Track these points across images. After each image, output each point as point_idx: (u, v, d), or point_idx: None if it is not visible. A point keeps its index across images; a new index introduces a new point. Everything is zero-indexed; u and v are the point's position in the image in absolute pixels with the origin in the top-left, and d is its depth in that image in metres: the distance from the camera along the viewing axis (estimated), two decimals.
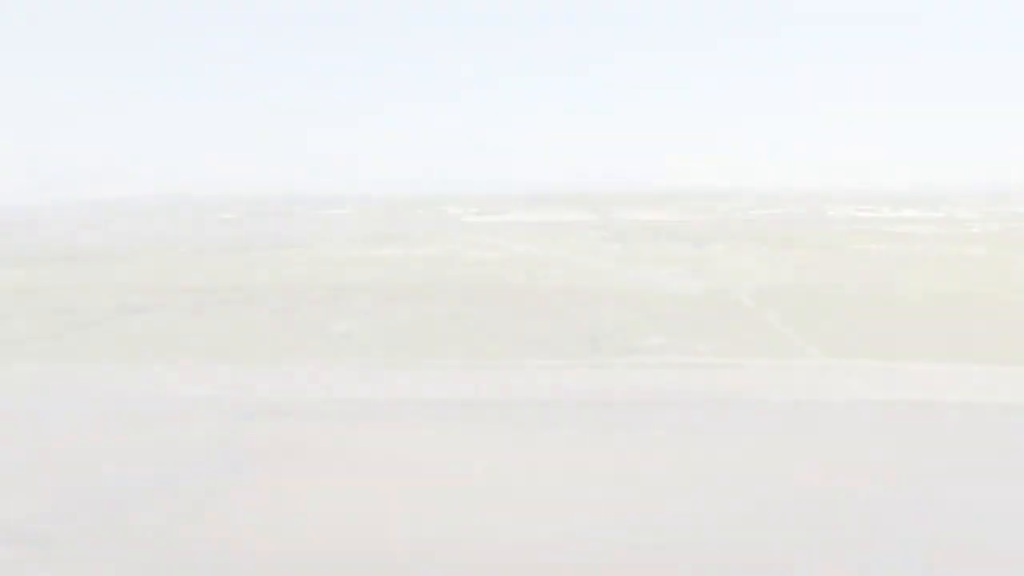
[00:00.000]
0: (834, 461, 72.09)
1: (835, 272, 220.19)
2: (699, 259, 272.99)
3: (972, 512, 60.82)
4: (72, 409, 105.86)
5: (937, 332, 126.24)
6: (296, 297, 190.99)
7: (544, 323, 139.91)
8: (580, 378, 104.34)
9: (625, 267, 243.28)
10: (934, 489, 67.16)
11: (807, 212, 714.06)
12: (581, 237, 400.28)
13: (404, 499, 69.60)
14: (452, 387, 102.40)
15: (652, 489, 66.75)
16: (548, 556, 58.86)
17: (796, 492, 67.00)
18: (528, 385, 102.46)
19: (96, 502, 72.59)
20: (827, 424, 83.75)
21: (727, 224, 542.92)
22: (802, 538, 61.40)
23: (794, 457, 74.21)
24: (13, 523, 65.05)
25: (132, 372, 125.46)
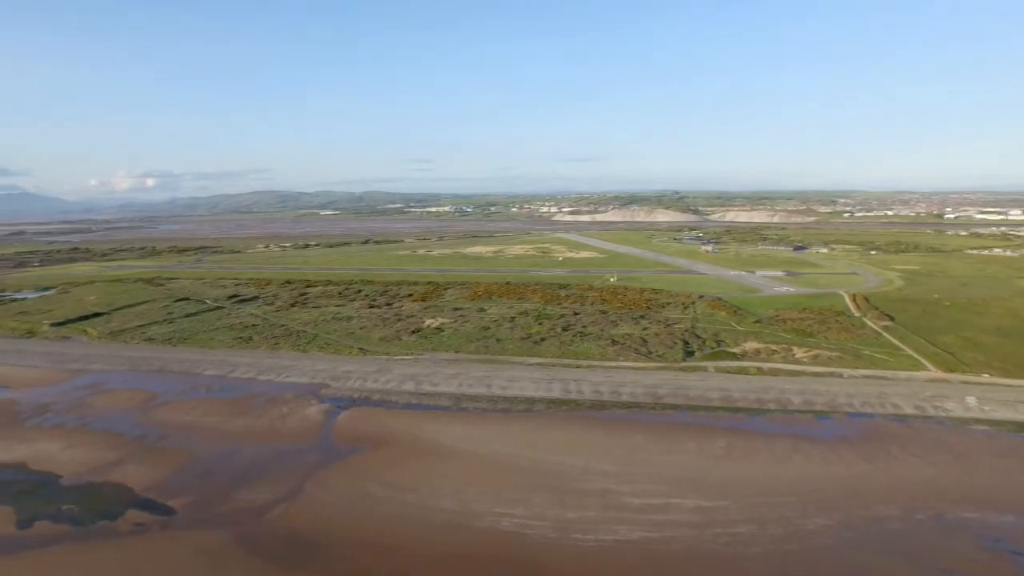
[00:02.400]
0: (941, 488, 68.10)
1: (947, 277, 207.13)
2: (799, 262, 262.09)
3: None
4: (184, 389, 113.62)
5: None
6: (390, 292, 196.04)
7: (633, 324, 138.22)
8: (671, 382, 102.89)
9: (720, 269, 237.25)
10: None
11: (924, 214, 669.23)
12: (675, 238, 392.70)
13: (491, 491, 70.37)
14: (543, 387, 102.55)
15: (742, 500, 64.94)
16: (616, 560, 58.72)
17: (873, 526, 63.63)
18: (618, 386, 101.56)
19: (209, 477, 77.99)
20: (933, 445, 79.14)
21: (831, 227, 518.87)
22: None
23: (888, 482, 70.45)
24: (141, 492, 71.44)
25: (236, 358, 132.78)
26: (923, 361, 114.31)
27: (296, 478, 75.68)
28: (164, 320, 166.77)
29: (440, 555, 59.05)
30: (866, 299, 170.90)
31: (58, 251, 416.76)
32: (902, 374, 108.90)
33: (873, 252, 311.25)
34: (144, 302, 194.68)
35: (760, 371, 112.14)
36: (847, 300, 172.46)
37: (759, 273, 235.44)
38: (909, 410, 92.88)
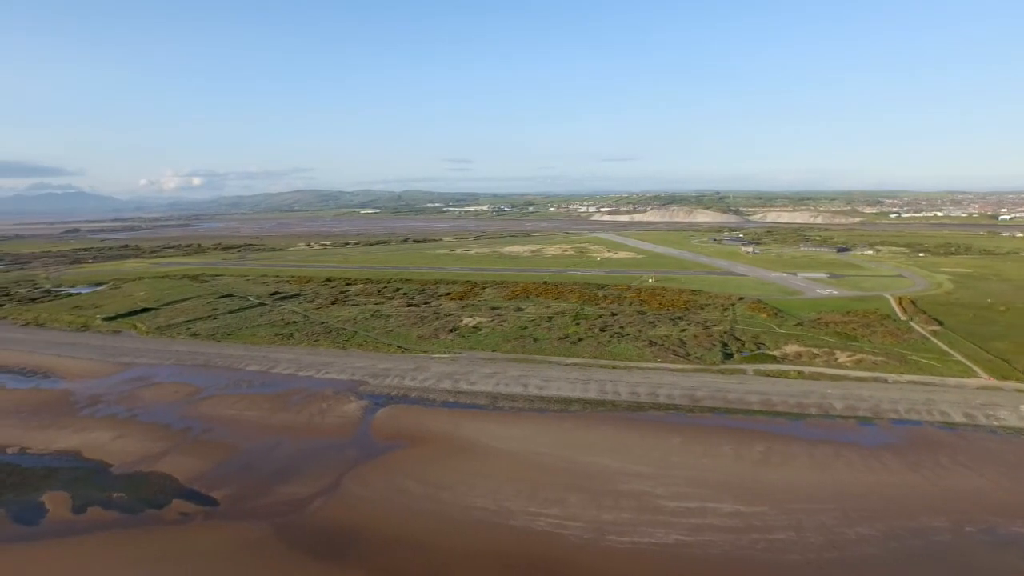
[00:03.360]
0: (993, 500, 65.86)
1: (1001, 281, 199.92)
2: (843, 264, 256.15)
3: None
4: (226, 383, 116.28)
5: None
6: (428, 291, 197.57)
7: (671, 325, 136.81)
8: (709, 384, 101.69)
9: (760, 271, 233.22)
10: None
11: (977, 215, 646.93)
12: (715, 239, 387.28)
13: (526, 491, 70.47)
14: (580, 387, 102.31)
15: (781, 506, 63.85)
16: (651, 564, 58.15)
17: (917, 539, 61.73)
18: (655, 388, 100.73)
19: (250, 470, 79.70)
20: (984, 455, 76.69)
21: (877, 228, 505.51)
22: None
23: (936, 492, 68.35)
24: (186, 482, 73.43)
25: (277, 354, 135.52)
26: (974, 367, 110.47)
27: (334, 473, 76.97)
28: (209, 316, 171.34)
29: (475, 553, 59.38)
30: (913, 302, 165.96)
31: (110, 248, 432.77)
32: (951, 380, 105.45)
33: (921, 254, 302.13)
34: (190, 298, 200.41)
35: (801, 375, 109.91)
36: (893, 303, 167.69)
37: (801, 275, 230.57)
38: (959, 418, 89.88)
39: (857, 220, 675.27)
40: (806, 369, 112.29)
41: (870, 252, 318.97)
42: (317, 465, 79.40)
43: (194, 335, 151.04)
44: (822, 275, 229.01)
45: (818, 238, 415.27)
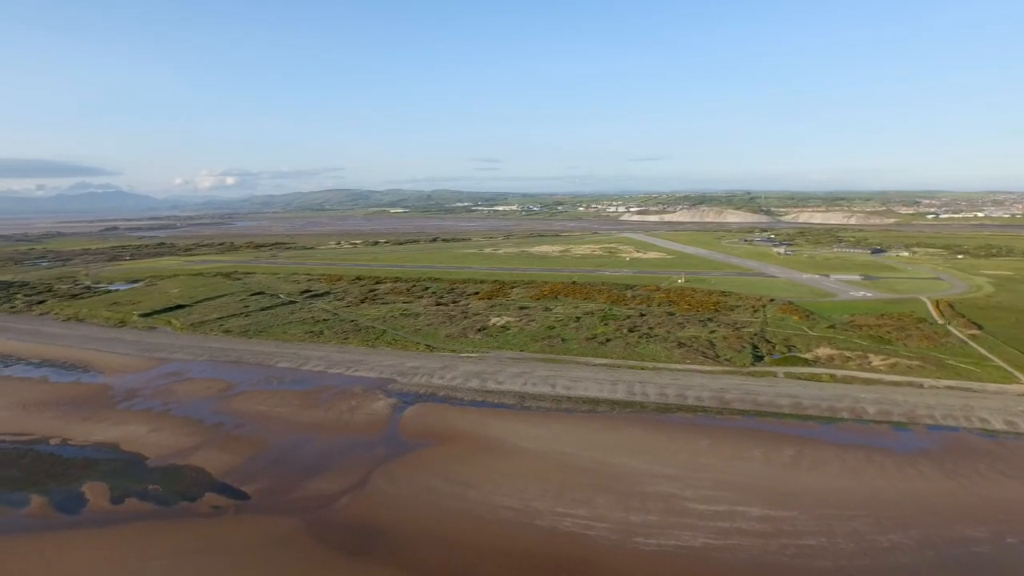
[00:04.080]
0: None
1: None
2: (878, 266, 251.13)
3: None
4: (257, 380, 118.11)
5: None
6: (457, 290, 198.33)
7: (701, 327, 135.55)
8: (738, 386, 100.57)
9: (792, 272, 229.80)
10: None
11: (1020, 216, 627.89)
12: (746, 239, 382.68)
13: (553, 491, 70.50)
14: (608, 388, 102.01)
15: (811, 511, 62.91)
16: (678, 566, 57.63)
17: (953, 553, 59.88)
18: (684, 389, 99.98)
19: (280, 465, 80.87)
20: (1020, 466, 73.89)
21: (913, 229, 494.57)
22: None
23: (975, 501, 66.78)
24: (218, 476, 74.73)
25: (307, 351, 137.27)
26: (1016, 373, 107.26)
27: (363, 470, 77.78)
28: (241, 313, 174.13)
29: (501, 551, 59.54)
30: (951, 306, 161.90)
31: (146, 245, 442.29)
32: (991, 386, 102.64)
33: (960, 256, 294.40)
34: (222, 295, 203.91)
35: (833, 378, 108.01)
36: (929, 306, 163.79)
37: (834, 277, 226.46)
38: (999, 425, 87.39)
39: (893, 221, 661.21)
40: (838, 372, 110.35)
41: (906, 254, 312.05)
42: (346, 462, 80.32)
43: (226, 332, 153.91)
44: (856, 277, 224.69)
45: (852, 239, 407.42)
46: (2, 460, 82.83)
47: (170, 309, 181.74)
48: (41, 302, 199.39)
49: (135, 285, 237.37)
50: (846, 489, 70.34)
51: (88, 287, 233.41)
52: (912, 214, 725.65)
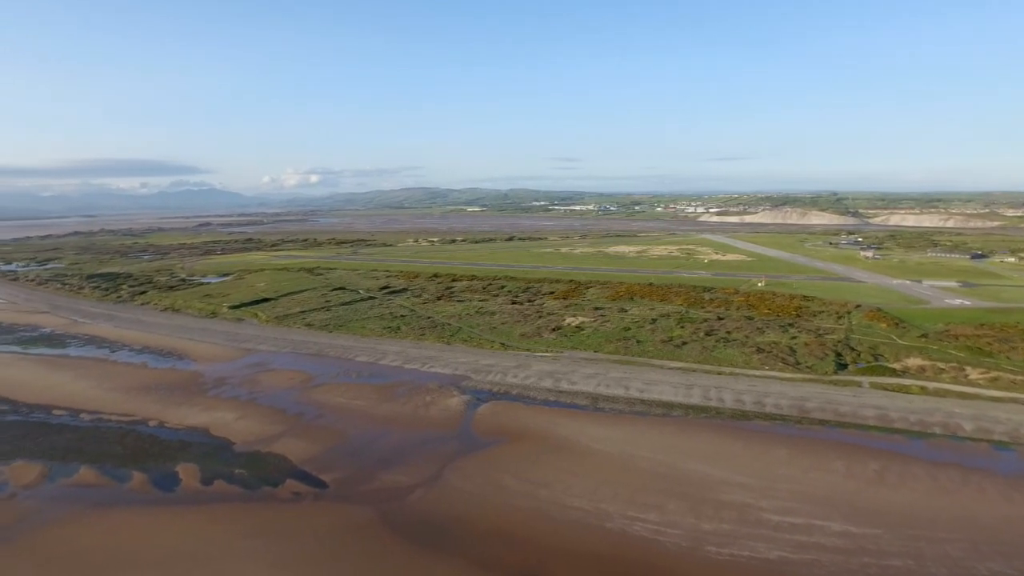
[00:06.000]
0: None
1: None
2: (978, 272, 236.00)
3: None
4: (336, 372, 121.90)
5: None
6: (532, 289, 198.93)
7: (781, 332, 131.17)
8: (819, 395, 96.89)
9: (881, 277, 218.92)
10: None
11: None
12: (831, 242, 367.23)
13: (624, 494, 69.98)
14: (682, 392, 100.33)
15: (898, 531, 59.97)
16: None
17: None
18: (761, 396, 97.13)
19: (357, 456, 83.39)
20: None
21: (1021, 232, 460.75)
22: None
23: None
24: (299, 464, 77.73)
25: (385, 346, 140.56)
26: None
27: (436, 464, 79.36)
28: (322, 307, 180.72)
29: (570, 552, 59.53)
30: None
31: (236, 241, 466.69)
32: None
33: None
34: (305, 290, 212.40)
35: (924, 390, 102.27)
36: None
37: (927, 283, 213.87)
38: None
39: (997, 224, 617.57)
40: (930, 384, 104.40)
41: (1012, 259, 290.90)
42: (420, 456, 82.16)
43: (308, 325, 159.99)
44: (952, 283, 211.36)
45: (949, 243, 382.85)
46: (110, 438, 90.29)
47: (257, 302, 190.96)
48: (142, 292, 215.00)
49: (225, 278, 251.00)
50: (938, 510, 66.41)
51: (183, 279, 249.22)
52: (1020, 216, 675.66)
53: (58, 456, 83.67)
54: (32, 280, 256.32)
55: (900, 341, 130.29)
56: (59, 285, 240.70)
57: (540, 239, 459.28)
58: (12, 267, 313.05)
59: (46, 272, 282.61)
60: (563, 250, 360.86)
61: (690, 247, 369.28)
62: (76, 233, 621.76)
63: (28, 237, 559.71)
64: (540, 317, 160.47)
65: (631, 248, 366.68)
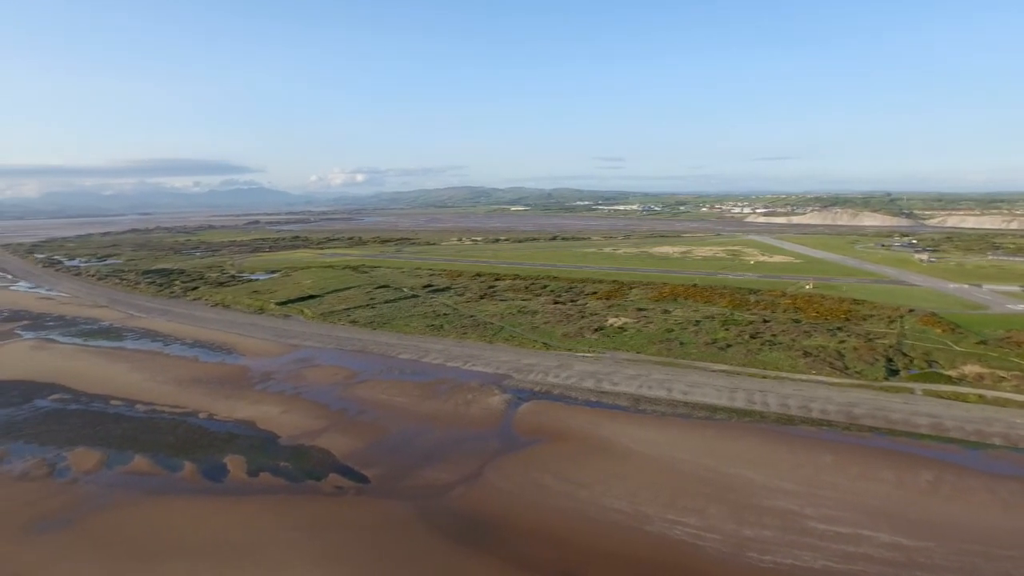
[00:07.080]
0: None
1: None
2: None
3: None
4: (379, 369, 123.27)
5: None
6: (575, 289, 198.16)
7: (829, 336, 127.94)
8: (869, 401, 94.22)
9: (936, 281, 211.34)
10: None
11: None
12: (883, 244, 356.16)
13: (665, 497, 69.21)
14: (726, 395, 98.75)
15: (952, 545, 57.97)
16: None
17: None
18: (808, 401, 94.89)
19: (398, 452, 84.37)
20: None
21: None
22: None
23: None
24: (341, 459, 79.00)
25: (427, 344, 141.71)
26: None
27: (476, 463, 79.75)
28: (366, 305, 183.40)
29: (609, 554, 59.20)
30: None
31: (283, 238, 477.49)
32: None
33: None
34: (350, 287, 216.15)
35: (982, 399, 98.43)
36: None
37: (987, 287, 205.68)
38: None
39: None
40: (989, 393, 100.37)
41: None
42: (460, 453, 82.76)
43: (352, 322, 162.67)
44: (1015, 288, 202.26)
45: (1012, 246, 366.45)
46: (163, 428, 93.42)
47: (303, 299, 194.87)
48: (194, 288, 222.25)
49: (273, 275, 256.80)
50: (996, 525, 63.65)
51: (233, 276, 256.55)
52: None
53: (115, 444, 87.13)
54: (93, 275, 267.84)
55: (956, 347, 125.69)
56: (117, 280, 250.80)
57: (583, 239, 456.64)
58: (75, 263, 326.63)
59: (105, 268, 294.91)
60: (606, 250, 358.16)
61: (735, 248, 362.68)
62: (133, 230, 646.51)
63: (90, 234, 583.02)
64: (583, 317, 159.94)
65: (675, 249, 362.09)
